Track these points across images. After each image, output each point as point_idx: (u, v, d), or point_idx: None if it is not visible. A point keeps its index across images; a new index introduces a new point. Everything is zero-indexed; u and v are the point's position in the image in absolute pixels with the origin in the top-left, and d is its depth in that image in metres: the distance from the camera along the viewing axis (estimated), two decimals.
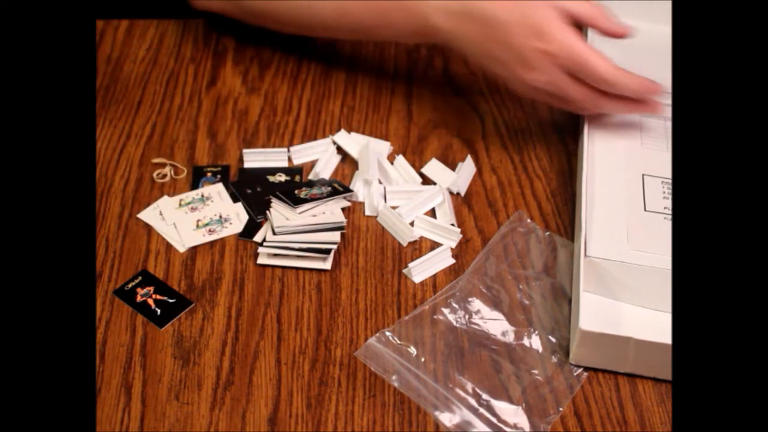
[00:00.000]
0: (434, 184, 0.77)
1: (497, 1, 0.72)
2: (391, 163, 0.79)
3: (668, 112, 0.76)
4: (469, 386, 0.63)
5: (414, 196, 0.75)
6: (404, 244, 0.73)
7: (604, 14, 0.74)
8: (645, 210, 0.71)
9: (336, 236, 0.72)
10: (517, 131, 0.83)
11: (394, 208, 0.75)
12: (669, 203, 0.71)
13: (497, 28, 0.72)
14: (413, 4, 0.76)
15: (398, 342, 0.65)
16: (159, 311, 0.68)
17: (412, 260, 0.71)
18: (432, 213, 0.76)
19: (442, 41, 0.78)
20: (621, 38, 0.74)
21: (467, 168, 0.78)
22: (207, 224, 0.74)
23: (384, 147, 0.80)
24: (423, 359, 0.64)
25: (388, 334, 0.65)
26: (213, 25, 0.93)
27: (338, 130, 0.82)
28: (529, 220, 0.75)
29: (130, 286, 0.70)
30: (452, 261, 0.72)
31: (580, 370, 0.65)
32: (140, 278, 0.70)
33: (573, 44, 0.71)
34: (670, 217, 0.70)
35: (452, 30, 0.75)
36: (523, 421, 0.61)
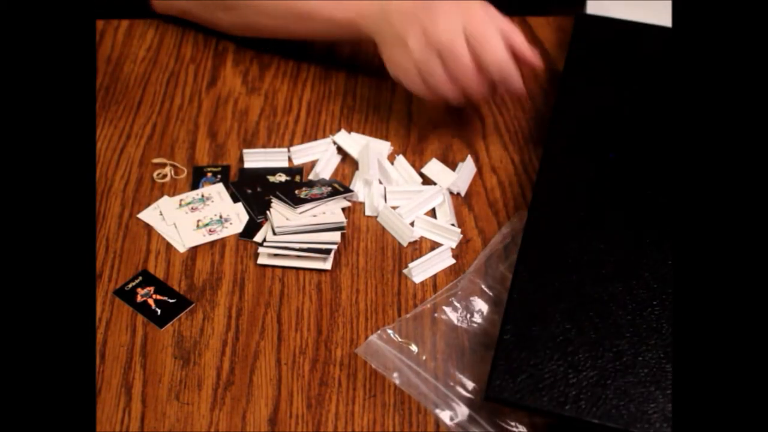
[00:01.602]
0: (434, 184, 0.77)
1: None
2: (392, 163, 0.79)
3: None
4: (470, 385, 0.63)
5: (414, 196, 0.75)
6: (404, 244, 0.73)
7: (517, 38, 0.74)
8: None
9: (336, 236, 0.72)
10: (517, 131, 0.83)
11: (394, 208, 0.75)
12: None
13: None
14: None
15: (399, 339, 0.65)
16: (159, 311, 0.68)
17: (413, 260, 0.71)
18: (432, 213, 0.76)
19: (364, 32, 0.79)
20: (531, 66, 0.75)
21: (467, 168, 0.78)
22: (207, 224, 0.74)
23: (384, 147, 0.80)
24: (424, 357, 0.64)
25: (389, 331, 0.65)
26: None
27: (338, 130, 0.82)
28: None
29: (130, 286, 0.70)
30: (452, 261, 0.72)
31: None
32: (140, 278, 0.70)
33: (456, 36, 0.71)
34: None
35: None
36: (523, 419, 0.61)
